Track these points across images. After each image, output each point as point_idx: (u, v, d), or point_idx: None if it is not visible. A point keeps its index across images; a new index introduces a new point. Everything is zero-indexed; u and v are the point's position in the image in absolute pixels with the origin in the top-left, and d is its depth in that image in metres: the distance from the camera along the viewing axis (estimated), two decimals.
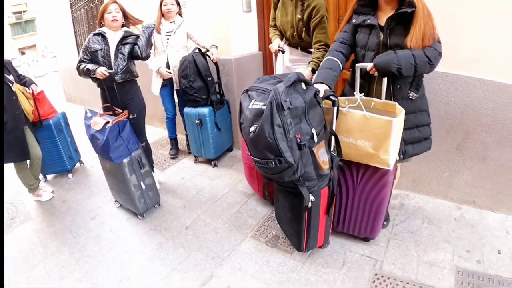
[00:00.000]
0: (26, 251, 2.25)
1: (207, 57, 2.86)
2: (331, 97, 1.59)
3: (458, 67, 2.03)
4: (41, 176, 2.99)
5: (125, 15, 2.46)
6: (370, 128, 1.58)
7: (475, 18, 1.90)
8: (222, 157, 3.26)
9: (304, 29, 2.16)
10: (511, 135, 1.98)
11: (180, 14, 2.95)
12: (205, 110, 2.86)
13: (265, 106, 1.38)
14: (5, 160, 2.47)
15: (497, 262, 1.78)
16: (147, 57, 2.46)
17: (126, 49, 2.39)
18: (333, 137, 1.65)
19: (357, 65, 1.67)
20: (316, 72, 1.75)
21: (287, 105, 1.37)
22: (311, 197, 1.59)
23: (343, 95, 1.88)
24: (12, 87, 2.49)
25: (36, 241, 2.34)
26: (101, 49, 2.34)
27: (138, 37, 2.40)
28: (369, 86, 1.74)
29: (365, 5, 1.66)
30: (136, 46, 2.38)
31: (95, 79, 2.29)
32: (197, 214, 2.42)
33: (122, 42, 2.39)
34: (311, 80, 1.98)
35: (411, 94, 1.69)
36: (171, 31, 2.89)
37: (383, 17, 1.61)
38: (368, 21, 1.62)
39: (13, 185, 3.02)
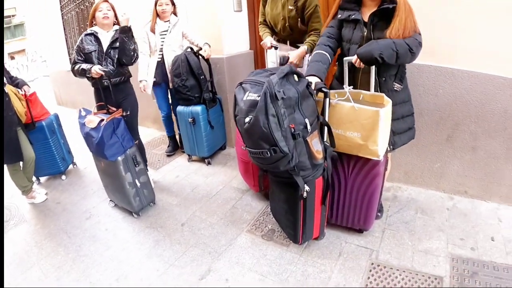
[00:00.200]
0: (21, 253, 2.22)
1: (200, 56, 2.88)
2: (322, 88, 1.62)
3: (445, 59, 2.08)
4: (34, 178, 2.97)
5: (116, 15, 2.46)
6: (359, 119, 1.62)
7: (459, 12, 1.95)
8: (215, 155, 3.27)
9: (299, 19, 2.25)
10: (499, 125, 2.03)
11: (175, 13, 2.96)
12: (198, 109, 2.87)
13: (260, 97, 1.41)
14: None
15: (491, 249, 1.82)
16: (131, 64, 2.47)
17: (115, 54, 2.40)
18: (325, 128, 1.68)
19: (345, 58, 1.72)
20: (308, 64, 1.80)
21: (281, 95, 1.41)
22: (306, 187, 1.61)
23: (331, 88, 1.92)
24: (4, 88, 2.47)
25: (31, 242, 2.32)
26: (95, 51, 2.35)
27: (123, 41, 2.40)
28: (354, 78, 1.79)
29: (350, 1, 1.73)
30: (121, 54, 2.39)
31: (91, 78, 2.29)
32: (192, 211, 2.42)
33: (112, 46, 2.40)
34: (305, 55, 2.21)
35: (395, 86, 1.76)
36: (166, 31, 2.91)
37: (367, 12, 1.69)
38: (353, 16, 1.69)
39: (6, 188, 2.97)
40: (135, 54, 2.44)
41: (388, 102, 1.63)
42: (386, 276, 1.70)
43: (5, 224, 2.60)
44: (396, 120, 1.77)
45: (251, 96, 1.46)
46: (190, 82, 2.80)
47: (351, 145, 1.69)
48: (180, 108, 2.95)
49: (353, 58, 1.64)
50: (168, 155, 3.40)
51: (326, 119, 1.67)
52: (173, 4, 2.94)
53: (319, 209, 1.79)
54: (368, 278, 1.70)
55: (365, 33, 1.68)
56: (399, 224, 2.07)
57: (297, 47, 2.35)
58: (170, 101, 3.21)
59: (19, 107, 2.63)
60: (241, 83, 1.57)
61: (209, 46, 2.84)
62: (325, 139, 1.71)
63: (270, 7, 2.33)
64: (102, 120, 2.09)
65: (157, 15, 2.92)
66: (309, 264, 1.83)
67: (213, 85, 3.04)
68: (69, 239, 2.29)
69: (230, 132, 3.34)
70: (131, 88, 2.56)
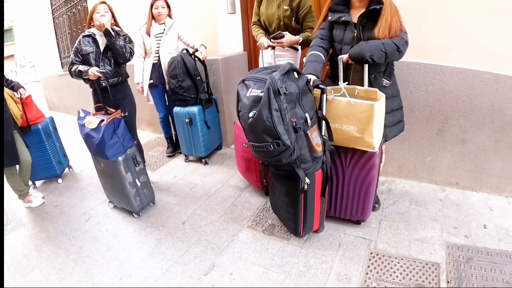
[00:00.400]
0: (20, 257, 2.20)
1: (196, 57, 2.92)
2: (320, 85, 1.70)
3: (434, 57, 2.17)
4: (30, 182, 2.94)
5: (114, 16, 2.49)
6: (355, 113, 1.70)
7: (446, 12, 2.05)
8: (212, 155, 3.31)
9: (293, 18, 2.33)
10: (487, 118, 2.13)
11: (170, 16, 3.00)
12: (194, 109, 2.91)
13: (263, 93, 1.47)
14: None
15: (484, 236, 1.90)
16: (128, 60, 2.50)
17: (112, 54, 2.44)
18: (323, 122, 1.75)
19: (339, 57, 1.80)
20: (304, 64, 1.87)
21: (283, 91, 1.48)
22: (307, 179, 1.67)
23: None
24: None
25: (29, 246, 2.30)
26: (93, 52, 2.38)
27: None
28: (346, 75, 1.88)
29: (339, 3, 1.83)
30: (115, 55, 2.43)
31: (88, 80, 2.31)
32: (192, 210, 2.45)
33: (108, 47, 2.43)
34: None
35: (384, 82, 1.87)
36: (162, 33, 2.95)
37: (356, 14, 1.79)
38: (343, 18, 1.79)
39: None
40: (128, 49, 2.46)
41: (381, 96, 1.72)
42: (385, 264, 1.76)
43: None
44: (386, 114, 1.86)
45: (254, 92, 1.53)
46: (186, 83, 2.85)
47: (348, 138, 1.77)
48: (177, 109, 2.98)
49: (344, 57, 1.74)
50: (168, 156, 3.42)
51: (324, 113, 1.74)
52: (169, 6, 2.98)
53: (319, 201, 1.85)
54: (368, 267, 1.76)
55: (355, 34, 1.78)
56: (394, 215, 2.14)
57: (291, 47, 2.42)
58: (167, 103, 3.24)
59: (15, 110, 2.62)
60: (243, 80, 1.64)
61: (205, 47, 2.89)
62: (323, 133, 1.78)
63: (265, 7, 2.40)
64: (102, 120, 2.11)
65: (153, 17, 2.96)
66: (310, 256, 1.88)
67: (209, 86, 3.09)
68: (69, 241, 2.29)
69: (225, 132, 3.39)
70: (128, 89, 2.59)
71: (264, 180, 2.35)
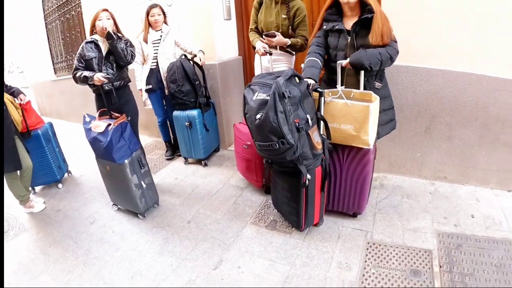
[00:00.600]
0: (27, 262, 2.20)
1: (194, 63, 3.03)
2: (318, 89, 1.86)
3: (421, 61, 2.34)
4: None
5: (116, 23, 2.57)
6: (351, 113, 1.86)
7: (431, 19, 2.23)
8: (210, 157, 3.41)
9: (290, 26, 2.49)
10: (471, 116, 2.30)
11: (166, 23, 3.10)
12: (194, 113, 3.01)
13: (269, 97, 1.61)
14: None
15: (472, 224, 2.06)
16: (129, 62, 2.59)
17: (114, 58, 2.52)
18: (322, 122, 1.89)
19: (338, 62, 1.95)
20: (303, 69, 2.01)
21: (287, 94, 1.63)
22: (308, 175, 1.80)
23: None
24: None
25: (35, 251, 2.30)
26: (96, 57, 2.45)
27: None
28: (341, 80, 2.02)
29: (332, 13, 2.00)
30: (117, 58, 2.52)
31: (93, 85, 2.38)
32: (196, 209, 2.55)
33: (110, 52, 2.51)
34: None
35: (376, 84, 2.04)
36: (159, 39, 3.04)
37: (348, 22, 1.96)
38: (337, 26, 1.96)
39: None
40: (129, 52, 2.55)
41: (376, 98, 1.87)
42: (382, 252, 1.90)
43: (4, 235, 2.56)
44: (379, 113, 2.01)
45: (261, 95, 1.67)
46: (186, 87, 2.95)
47: (345, 136, 1.92)
48: (176, 113, 3.07)
49: (344, 62, 1.89)
50: (167, 159, 3.50)
51: (322, 114, 1.88)
52: (164, 14, 3.08)
53: (319, 195, 1.99)
54: (366, 255, 1.89)
55: (349, 40, 1.95)
56: (388, 208, 2.29)
57: (287, 51, 2.56)
58: (165, 107, 3.33)
59: (16, 115, 2.63)
60: (249, 85, 1.79)
61: (203, 53, 2.99)
62: (321, 132, 1.91)
63: (264, 15, 2.53)
64: (109, 124, 2.19)
65: (149, 25, 3.05)
66: (312, 247, 2.00)
67: (207, 90, 3.19)
68: (76, 244, 2.32)
69: (223, 134, 3.50)
70: (131, 94, 2.68)
71: (264, 180, 2.48)
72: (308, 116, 1.74)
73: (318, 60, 2.01)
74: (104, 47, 2.51)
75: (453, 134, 2.39)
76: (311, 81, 1.88)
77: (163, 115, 3.35)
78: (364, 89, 1.97)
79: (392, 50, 1.87)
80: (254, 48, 2.54)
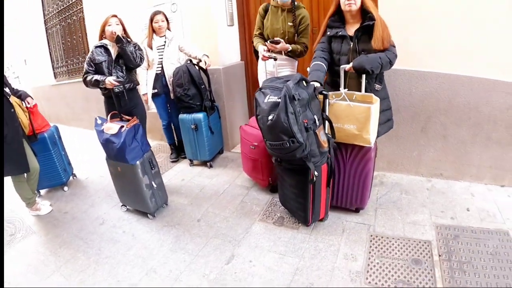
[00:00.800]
0: (36, 263, 2.22)
1: (199, 67, 3.13)
2: (323, 92, 1.98)
3: (417, 64, 2.49)
4: None
5: (124, 28, 2.66)
6: (354, 114, 1.99)
7: (426, 26, 2.38)
8: (215, 159, 3.50)
9: (295, 33, 2.64)
10: (464, 115, 2.45)
11: (169, 29, 3.20)
12: (200, 116, 3.11)
13: (280, 99, 1.74)
14: (4, 173, 2.46)
15: (468, 217, 2.20)
16: (138, 65, 2.70)
17: (123, 61, 2.61)
18: (327, 122, 2.02)
19: (341, 66, 2.09)
20: (309, 73, 2.14)
21: (297, 97, 1.76)
22: (315, 172, 1.92)
23: None
24: (9, 99, 2.52)
25: (45, 252, 2.32)
26: (105, 61, 2.54)
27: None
28: (344, 81, 2.15)
29: (335, 20, 2.15)
30: (126, 61, 2.61)
31: (104, 89, 2.47)
32: (205, 208, 2.63)
33: (119, 55, 2.60)
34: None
35: (376, 86, 2.18)
36: (163, 45, 3.14)
37: (351, 29, 2.11)
38: (340, 33, 2.11)
39: (5, 203, 2.89)
40: (138, 55, 2.64)
41: (376, 100, 2.01)
42: (384, 244, 2.02)
43: (11, 237, 2.56)
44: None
45: (272, 98, 1.80)
46: (192, 91, 3.05)
47: (348, 135, 2.05)
48: (182, 116, 3.17)
49: (347, 66, 2.03)
50: (172, 161, 3.59)
51: (327, 115, 2.01)
52: (167, 20, 3.18)
53: (325, 191, 2.11)
54: (370, 247, 2.01)
55: (352, 46, 2.09)
56: (388, 204, 2.42)
57: (292, 57, 2.70)
58: (169, 111, 3.42)
59: (23, 118, 2.67)
60: (260, 89, 1.92)
61: (208, 56, 3.10)
62: (326, 132, 2.04)
63: (270, 22, 2.66)
64: (122, 126, 2.27)
65: (153, 31, 3.14)
66: (319, 241, 2.11)
67: (212, 94, 3.29)
68: (86, 245, 2.35)
69: (227, 137, 3.60)
70: (139, 98, 2.77)
71: (270, 179, 2.59)
72: (315, 116, 1.87)
73: (323, 64, 2.14)
74: (113, 51, 2.61)
75: (447, 133, 2.54)
76: (317, 84, 2.00)
77: (168, 118, 3.44)
78: (365, 90, 2.11)
79: (391, 54, 2.02)
80: (256, 52, 2.67)
